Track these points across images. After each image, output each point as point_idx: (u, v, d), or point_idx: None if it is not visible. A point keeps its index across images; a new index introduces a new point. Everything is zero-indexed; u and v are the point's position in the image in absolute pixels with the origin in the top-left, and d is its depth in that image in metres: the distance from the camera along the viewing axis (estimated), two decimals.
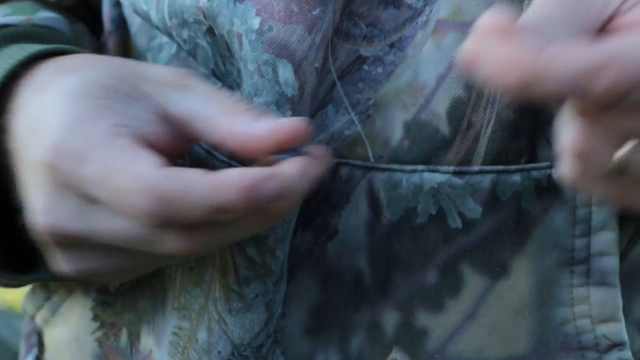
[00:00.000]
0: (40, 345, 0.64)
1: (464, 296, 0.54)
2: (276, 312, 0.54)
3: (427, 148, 0.52)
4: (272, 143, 0.48)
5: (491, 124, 0.52)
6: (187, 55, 0.57)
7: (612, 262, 0.55)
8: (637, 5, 0.43)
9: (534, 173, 0.53)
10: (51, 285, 0.61)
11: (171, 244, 0.48)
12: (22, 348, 0.67)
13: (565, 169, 0.44)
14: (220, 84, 0.56)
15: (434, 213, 0.53)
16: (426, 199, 0.53)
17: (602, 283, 0.55)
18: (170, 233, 0.48)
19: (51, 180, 0.48)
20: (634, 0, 0.43)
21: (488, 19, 0.39)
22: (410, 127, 0.52)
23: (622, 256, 0.56)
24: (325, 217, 0.54)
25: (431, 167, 0.53)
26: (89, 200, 0.48)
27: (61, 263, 0.50)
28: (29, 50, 0.52)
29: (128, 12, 0.61)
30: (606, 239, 0.55)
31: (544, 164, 0.53)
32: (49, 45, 0.54)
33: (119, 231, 0.48)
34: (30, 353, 0.65)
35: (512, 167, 0.53)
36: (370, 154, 0.53)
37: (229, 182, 0.46)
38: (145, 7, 0.55)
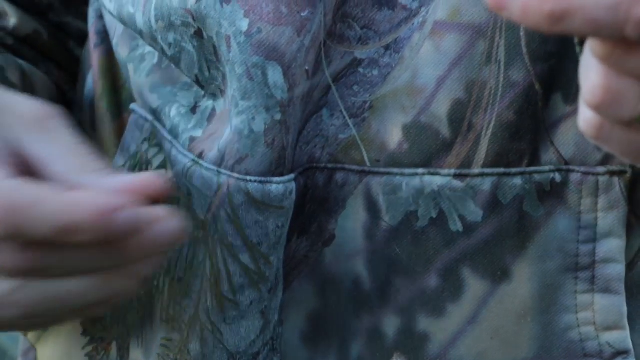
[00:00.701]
0: None
1: (466, 300, 0.54)
2: (272, 319, 0.54)
3: (428, 151, 0.52)
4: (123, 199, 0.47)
5: (492, 125, 0.52)
6: (169, 65, 0.56)
7: (617, 269, 0.55)
8: None
9: (536, 176, 0.53)
10: None
11: (7, 257, 0.46)
12: None
13: (584, 120, 0.42)
14: (203, 91, 0.55)
15: (434, 216, 0.53)
16: (427, 202, 0.53)
17: (607, 290, 0.55)
18: (10, 246, 0.46)
19: None
20: None
21: None
22: (410, 130, 0.52)
23: (631, 264, 0.56)
24: (321, 222, 0.55)
25: (432, 170, 0.53)
26: None
27: None
28: None
29: (110, 21, 0.61)
30: (612, 246, 0.55)
31: (546, 167, 0.53)
32: None
33: None
34: None
35: (513, 170, 0.53)
36: (366, 158, 0.53)
37: (83, 201, 0.45)
38: (132, 10, 0.55)
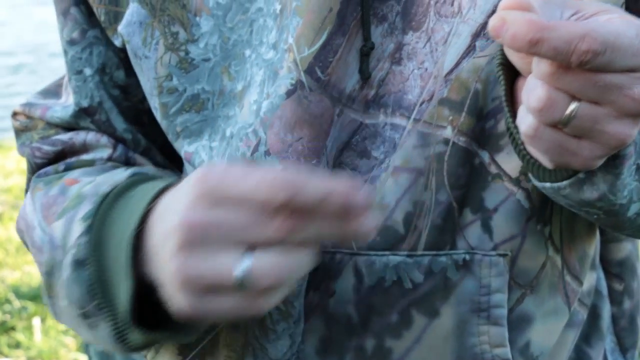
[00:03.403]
0: None
1: (413, 329, 0.63)
2: (297, 340, 0.64)
3: (391, 241, 0.62)
4: None
5: (428, 227, 0.62)
6: None
7: (503, 312, 0.63)
8: (580, 19, 0.48)
9: (454, 256, 0.62)
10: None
11: (276, 225, 0.49)
12: None
13: (525, 124, 0.47)
14: None
15: (395, 279, 0.62)
16: (391, 271, 0.62)
17: (496, 324, 0.63)
18: (280, 217, 0.49)
19: (182, 238, 0.50)
20: (576, 16, 0.48)
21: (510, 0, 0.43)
22: (381, 229, 0.62)
23: (511, 310, 0.64)
24: (327, 283, 0.64)
25: (393, 252, 0.62)
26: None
27: (186, 306, 0.52)
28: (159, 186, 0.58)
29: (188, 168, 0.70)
30: (499, 298, 0.63)
31: (460, 251, 0.62)
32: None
33: (242, 222, 0.49)
34: None
35: (441, 252, 0.62)
36: (354, 246, 0.63)
37: (338, 184, 0.49)
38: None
